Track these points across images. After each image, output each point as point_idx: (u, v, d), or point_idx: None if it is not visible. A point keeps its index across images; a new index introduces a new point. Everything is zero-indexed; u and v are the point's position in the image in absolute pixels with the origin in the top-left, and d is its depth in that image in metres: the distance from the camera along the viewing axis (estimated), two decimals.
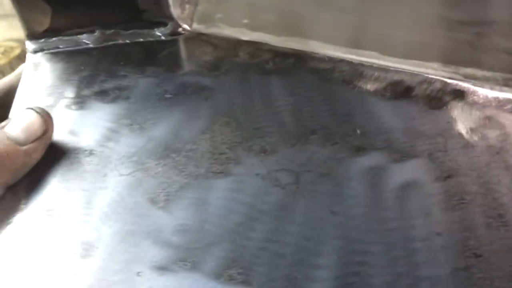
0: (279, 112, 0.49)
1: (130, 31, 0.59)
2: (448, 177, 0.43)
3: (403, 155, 0.44)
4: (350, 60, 0.54)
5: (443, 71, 0.55)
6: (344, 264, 0.37)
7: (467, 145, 0.45)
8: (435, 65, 0.56)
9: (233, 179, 0.43)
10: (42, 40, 0.59)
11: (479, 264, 0.36)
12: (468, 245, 0.38)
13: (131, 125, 0.49)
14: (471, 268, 0.36)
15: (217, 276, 0.36)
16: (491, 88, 0.52)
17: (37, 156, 0.43)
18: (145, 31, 0.59)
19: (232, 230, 0.39)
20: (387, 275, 0.36)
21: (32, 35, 0.59)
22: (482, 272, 0.36)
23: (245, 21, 0.66)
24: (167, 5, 0.59)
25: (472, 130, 0.47)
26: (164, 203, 0.41)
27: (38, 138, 0.43)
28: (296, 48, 0.57)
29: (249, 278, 0.36)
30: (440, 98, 0.50)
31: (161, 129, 0.48)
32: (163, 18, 0.59)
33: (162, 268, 0.37)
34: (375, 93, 0.51)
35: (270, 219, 0.40)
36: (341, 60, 0.54)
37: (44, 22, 0.59)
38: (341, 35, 0.58)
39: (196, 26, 0.63)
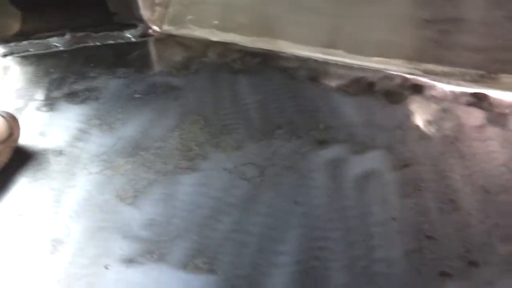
0: (247, 110, 0.50)
1: (101, 34, 0.60)
2: (405, 166, 0.45)
3: (363, 147, 0.46)
4: (316, 58, 0.57)
5: (405, 67, 0.57)
6: (306, 249, 0.38)
7: (424, 136, 0.48)
8: (398, 62, 0.58)
9: (200, 174, 0.44)
10: (12, 43, 0.60)
11: (431, 245, 0.39)
12: (421, 228, 0.40)
13: (100, 125, 0.50)
14: (424, 249, 0.39)
15: (183, 266, 0.38)
16: (448, 83, 0.54)
17: (3, 158, 0.44)
18: (116, 33, 0.60)
19: (199, 223, 0.40)
20: (345, 258, 0.38)
21: (2, 39, 0.60)
22: (433, 253, 0.38)
23: (216, 22, 0.67)
24: (137, 8, 0.60)
25: (429, 122, 0.50)
26: (132, 200, 0.42)
27: (3, 141, 0.44)
28: (264, 48, 0.59)
29: (214, 267, 0.37)
30: (400, 92, 0.53)
31: (130, 128, 0.49)
32: (133, 20, 0.61)
33: (130, 261, 0.38)
34: (339, 89, 0.53)
35: (236, 211, 0.41)
36: (308, 59, 0.56)
37: (14, 26, 0.60)
38: (308, 35, 0.60)
39: (166, 28, 0.64)
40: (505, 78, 0.56)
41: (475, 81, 0.55)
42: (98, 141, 0.48)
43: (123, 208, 0.42)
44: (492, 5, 0.60)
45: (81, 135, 0.49)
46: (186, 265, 0.37)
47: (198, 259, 0.38)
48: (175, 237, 0.39)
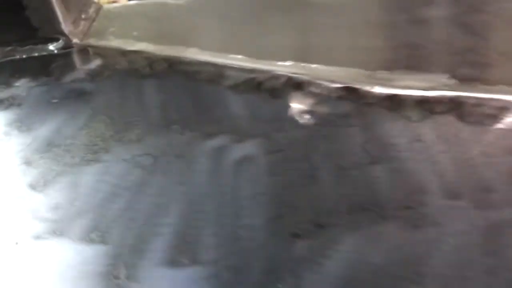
0: (149, 109, 0.59)
1: (26, 47, 0.67)
2: (278, 151, 0.54)
3: (244, 136, 0.55)
4: (215, 63, 0.65)
5: (292, 68, 0.67)
6: (184, 221, 0.47)
7: (297, 125, 0.57)
8: (286, 63, 0.67)
9: (102, 165, 0.52)
10: None
11: (289, 213, 0.47)
12: (283, 200, 0.49)
13: (20, 127, 0.57)
14: (282, 217, 0.47)
15: (80, 239, 0.45)
16: (326, 80, 0.64)
17: None
18: (40, 46, 0.67)
19: (96, 205, 0.48)
20: (215, 226, 0.46)
21: None
22: (289, 219, 0.47)
23: (134, 33, 0.75)
24: (58, 23, 0.67)
25: (304, 113, 0.59)
26: (42, 188, 0.50)
27: None
28: (171, 54, 0.67)
29: (106, 239, 0.45)
30: (283, 90, 0.62)
31: (45, 128, 0.56)
32: (56, 34, 0.68)
33: (37, 238, 0.46)
34: (231, 88, 0.61)
35: (129, 193, 0.49)
36: (207, 63, 0.65)
37: None
38: (210, 43, 0.69)
39: (88, 40, 0.72)
40: (380, 74, 0.66)
41: (353, 78, 0.65)
42: (17, 141, 0.55)
43: (34, 194, 0.49)
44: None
45: (3, 137, 0.56)
46: (83, 239, 0.45)
47: (93, 233, 0.45)
48: (75, 217, 0.47)
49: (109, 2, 1.02)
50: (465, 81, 0.62)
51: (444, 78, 0.63)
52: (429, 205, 0.47)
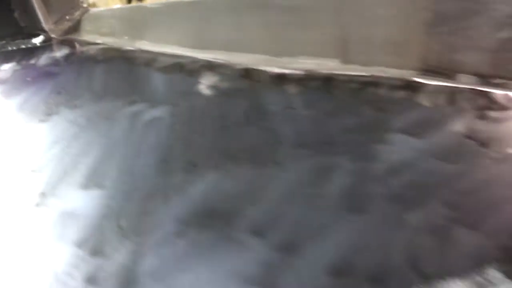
0: (94, 85, 0.78)
1: (16, 41, 0.88)
2: (180, 114, 0.71)
3: (157, 104, 0.72)
4: (152, 51, 0.83)
5: (213, 54, 0.83)
6: (99, 161, 0.65)
7: (201, 96, 0.73)
8: (209, 51, 0.84)
9: (51, 123, 0.71)
10: None
11: (175, 157, 0.64)
12: (174, 148, 0.66)
13: (5, 96, 0.78)
14: (170, 160, 0.64)
15: (21, 171, 0.64)
16: (233, 63, 0.79)
17: None
18: (26, 40, 0.88)
19: (42, 149, 0.67)
20: (119, 164, 0.64)
21: None
22: (175, 160, 0.64)
23: (103, 30, 0.95)
24: (39, 22, 0.88)
25: (209, 87, 0.75)
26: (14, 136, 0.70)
27: None
28: (122, 46, 0.86)
29: (42, 171, 0.64)
30: (199, 70, 0.78)
31: (19, 97, 0.77)
32: (38, 31, 0.89)
33: None
34: (159, 70, 0.79)
35: (66, 142, 0.68)
36: (147, 51, 0.83)
37: None
38: (156, 36, 0.87)
39: (66, 36, 0.92)
40: (276, 58, 0.80)
41: (255, 62, 0.80)
42: (2, 104, 0.76)
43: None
44: None
45: None
46: (23, 170, 0.64)
47: (34, 167, 0.65)
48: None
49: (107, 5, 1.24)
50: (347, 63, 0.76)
51: (328, 61, 0.77)
52: (280, 152, 0.62)
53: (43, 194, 0.60)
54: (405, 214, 0.53)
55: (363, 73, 0.75)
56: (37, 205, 0.61)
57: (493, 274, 0.44)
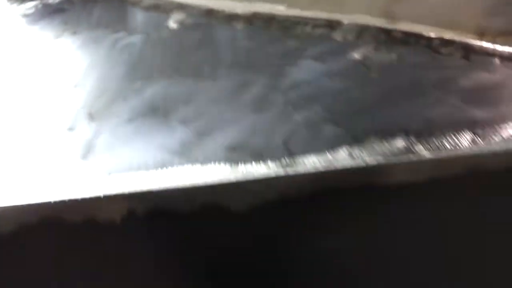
0: (90, 19, 0.99)
1: None
2: (148, 41, 0.90)
3: (134, 33, 0.92)
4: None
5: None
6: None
7: (169, 29, 0.92)
8: None
9: (58, 45, 0.94)
10: None
11: (144, 65, 0.84)
12: (140, 67, 0.85)
13: (28, 24, 1.01)
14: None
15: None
16: (199, 4, 0.97)
17: None
18: None
19: None
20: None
21: None
22: (146, 69, 0.84)
23: None
24: None
25: (177, 23, 0.93)
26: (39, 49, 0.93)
27: None
28: None
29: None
30: (170, 9, 0.97)
31: (36, 27, 1.00)
32: None
33: None
34: (145, 8, 0.98)
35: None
36: None
37: None
38: None
39: None
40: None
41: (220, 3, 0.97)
42: (25, 31, 0.99)
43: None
44: None
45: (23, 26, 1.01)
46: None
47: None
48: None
49: None
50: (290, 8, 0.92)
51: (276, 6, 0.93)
52: (218, 70, 0.81)
53: None
54: (294, 114, 0.71)
55: (299, 15, 0.90)
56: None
57: (343, 153, 0.60)
